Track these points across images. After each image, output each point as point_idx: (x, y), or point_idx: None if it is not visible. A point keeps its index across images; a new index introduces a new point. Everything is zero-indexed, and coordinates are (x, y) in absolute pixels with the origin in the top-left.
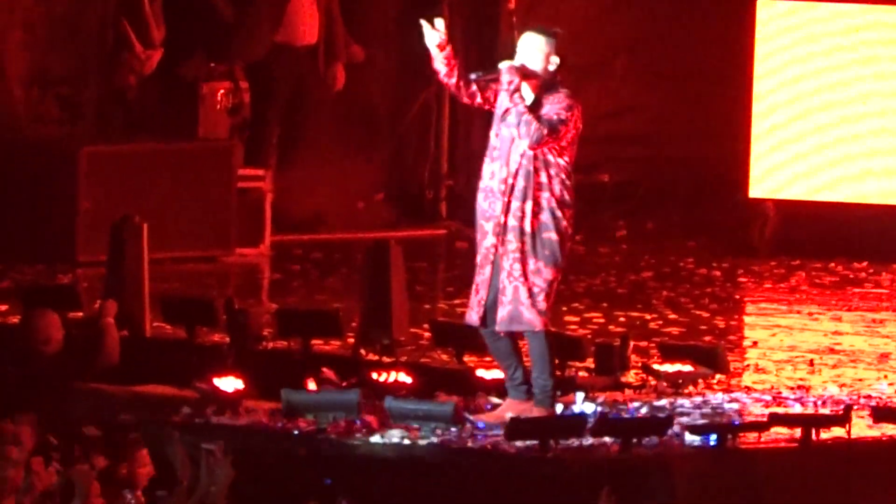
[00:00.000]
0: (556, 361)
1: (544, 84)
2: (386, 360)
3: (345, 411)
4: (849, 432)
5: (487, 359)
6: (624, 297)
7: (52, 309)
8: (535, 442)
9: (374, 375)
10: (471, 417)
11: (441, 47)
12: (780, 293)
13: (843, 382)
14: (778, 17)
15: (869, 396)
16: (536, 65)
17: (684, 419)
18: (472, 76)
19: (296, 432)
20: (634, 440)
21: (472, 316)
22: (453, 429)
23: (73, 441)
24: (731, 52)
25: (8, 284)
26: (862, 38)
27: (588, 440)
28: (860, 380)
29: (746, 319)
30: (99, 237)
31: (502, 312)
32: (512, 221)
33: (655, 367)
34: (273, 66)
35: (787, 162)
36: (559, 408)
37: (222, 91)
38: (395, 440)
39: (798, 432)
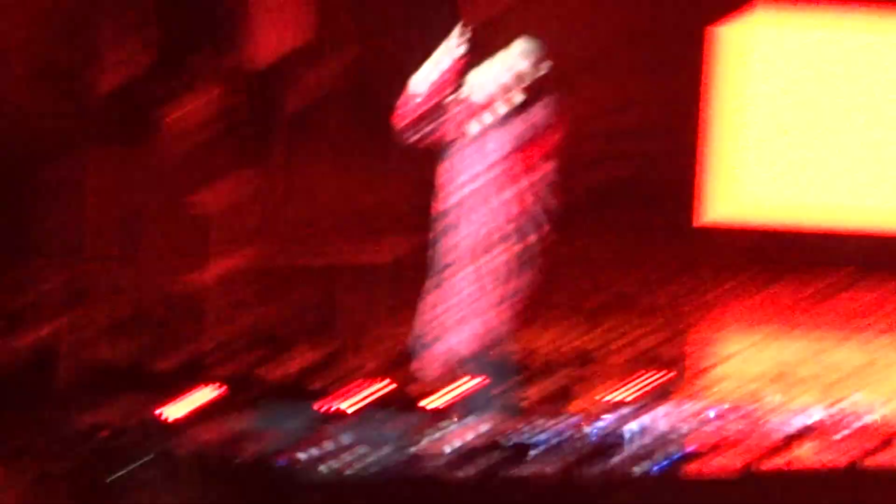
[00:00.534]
0: (510, 384)
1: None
2: (343, 381)
3: (299, 434)
4: (793, 460)
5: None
6: (581, 320)
7: None
8: (487, 466)
9: (329, 399)
10: (427, 438)
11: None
12: (730, 317)
13: (790, 409)
14: (736, 34)
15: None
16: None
17: (635, 444)
18: None
19: None
20: (585, 466)
21: (446, 337)
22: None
23: None
24: (690, 75)
25: None
26: (837, 67)
27: (539, 465)
28: (807, 407)
29: (715, 337)
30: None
31: (469, 330)
32: (482, 246)
33: (608, 390)
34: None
35: (741, 184)
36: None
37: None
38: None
39: (742, 460)
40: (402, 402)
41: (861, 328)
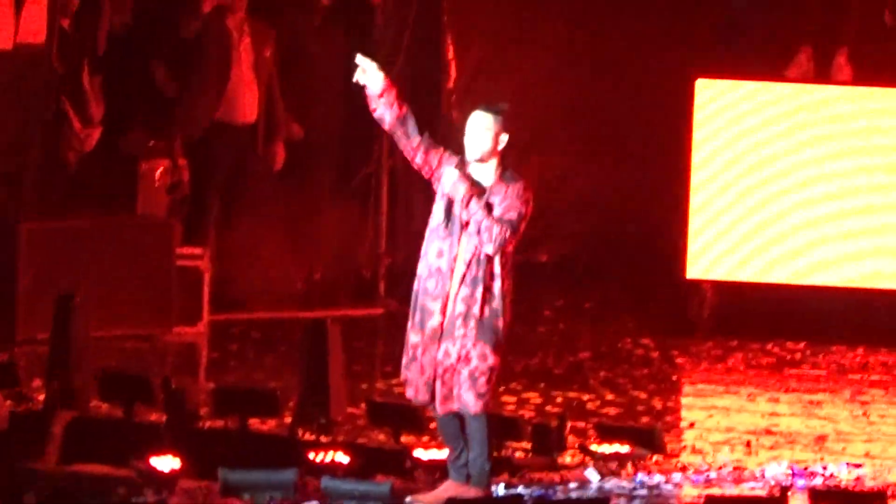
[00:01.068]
0: (494, 441)
1: (503, 175)
2: (323, 439)
3: (281, 491)
4: None
5: (425, 439)
6: (561, 378)
7: None
8: None
9: (312, 455)
10: (409, 498)
11: (383, 90)
12: (717, 373)
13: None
14: (716, 94)
15: (811, 475)
16: (486, 144)
17: (621, 500)
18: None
19: None
20: None
21: (422, 395)
22: None
23: None
24: (670, 127)
25: None
26: (800, 120)
27: None
28: (797, 461)
29: (683, 400)
30: (38, 314)
31: (444, 392)
32: (460, 307)
33: (592, 447)
34: (213, 143)
35: (725, 241)
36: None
37: (161, 169)
38: None
39: None
40: (391, 457)
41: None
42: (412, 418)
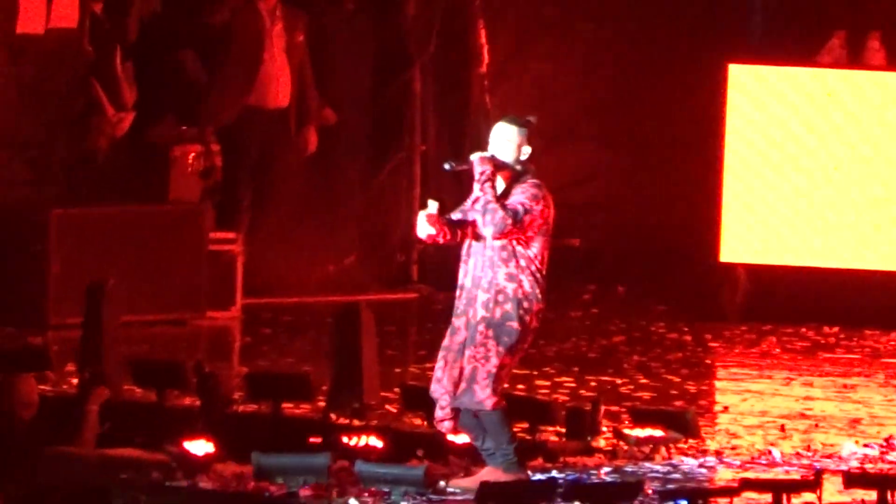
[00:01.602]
0: (528, 425)
1: (515, 174)
2: (357, 423)
3: (314, 475)
4: (820, 498)
5: None
6: (595, 362)
7: (24, 372)
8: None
9: (345, 439)
10: (443, 483)
11: (437, 229)
12: (751, 358)
13: (814, 447)
14: (749, 80)
15: (841, 460)
16: (508, 155)
17: (655, 484)
18: (445, 167)
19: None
20: None
21: (445, 398)
22: (424, 493)
23: None
24: (702, 115)
25: None
26: (834, 103)
27: None
28: (831, 445)
29: (717, 384)
30: (69, 300)
31: (459, 390)
32: (481, 311)
33: (626, 431)
34: (244, 129)
35: (758, 226)
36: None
37: (193, 154)
38: None
39: (769, 497)
40: (424, 441)
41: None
42: None
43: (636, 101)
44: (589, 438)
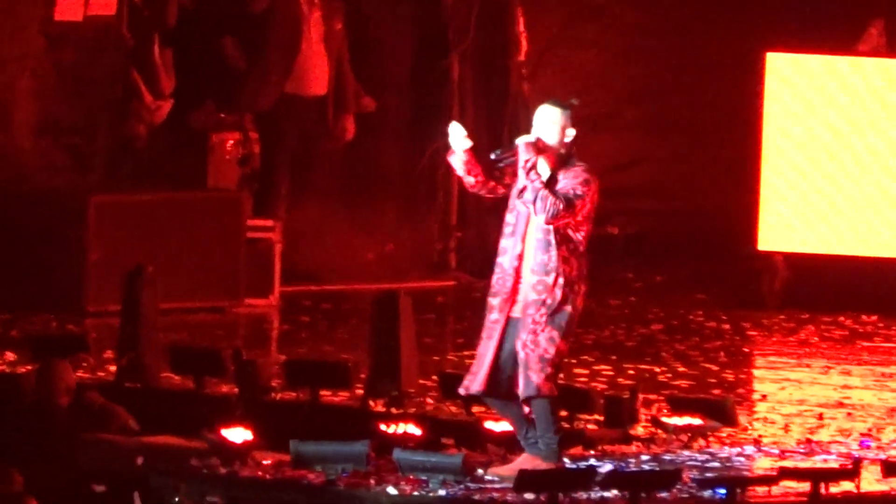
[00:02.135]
0: (566, 414)
1: (560, 158)
2: (395, 411)
3: (353, 463)
4: (858, 486)
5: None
6: (633, 350)
7: (62, 359)
8: (544, 494)
9: (383, 427)
10: (481, 470)
11: (466, 152)
12: (789, 346)
13: (853, 436)
14: (787, 68)
15: (880, 449)
16: (552, 138)
17: (693, 473)
18: (492, 156)
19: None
20: (643, 494)
21: (476, 385)
22: (462, 481)
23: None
24: (741, 103)
25: (16, 334)
26: (873, 91)
27: (597, 493)
28: (870, 434)
29: (755, 373)
30: (107, 287)
31: (520, 380)
32: (532, 295)
33: (664, 419)
34: (283, 116)
35: (797, 214)
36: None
37: (232, 141)
38: (404, 492)
39: (807, 486)
40: (462, 429)
41: None
42: None
43: (675, 88)
44: (627, 427)
